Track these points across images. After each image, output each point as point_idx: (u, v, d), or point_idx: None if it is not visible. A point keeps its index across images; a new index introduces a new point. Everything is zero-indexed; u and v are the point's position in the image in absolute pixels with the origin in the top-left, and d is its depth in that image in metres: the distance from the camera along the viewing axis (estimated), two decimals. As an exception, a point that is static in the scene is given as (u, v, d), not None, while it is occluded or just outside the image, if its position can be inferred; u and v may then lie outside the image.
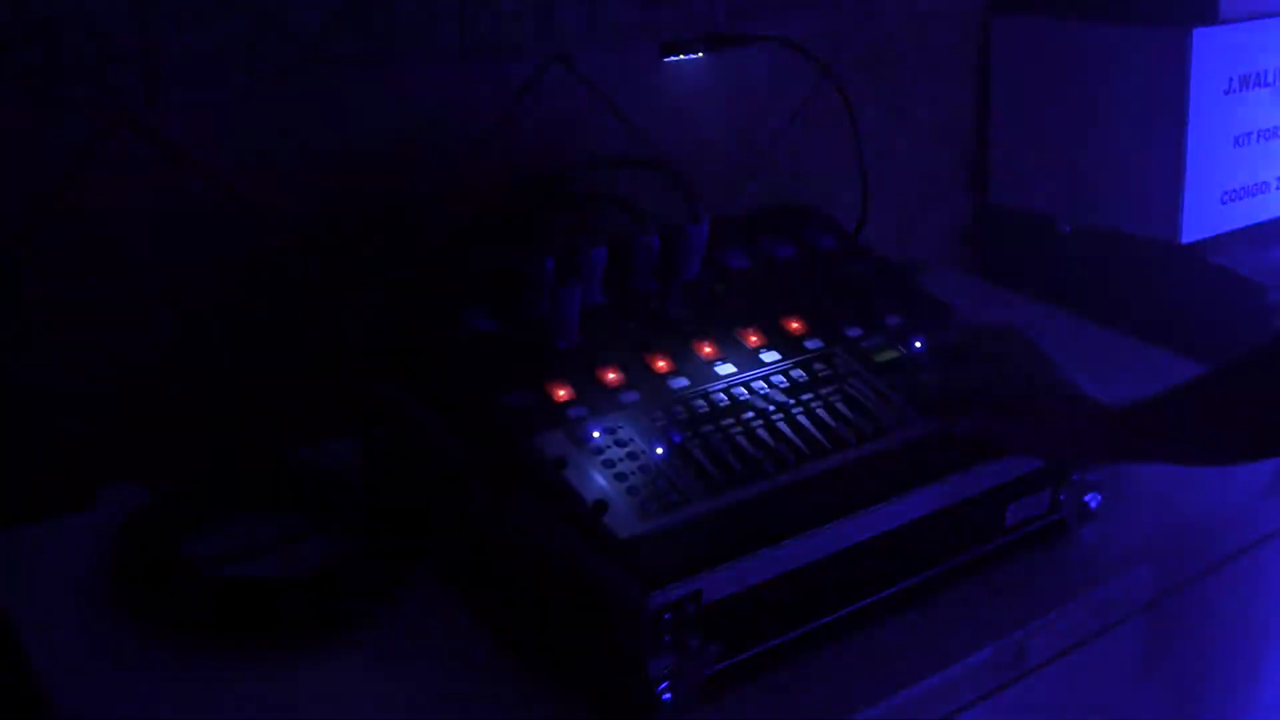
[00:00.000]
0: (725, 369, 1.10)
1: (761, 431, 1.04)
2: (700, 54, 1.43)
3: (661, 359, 1.10)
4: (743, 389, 1.08)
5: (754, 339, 1.14)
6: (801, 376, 1.11)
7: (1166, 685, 1.24)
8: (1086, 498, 1.14)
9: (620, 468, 0.98)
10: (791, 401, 1.07)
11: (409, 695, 0.98)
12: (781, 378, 1.10)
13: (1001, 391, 1.05)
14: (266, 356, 1.34)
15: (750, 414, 1.06)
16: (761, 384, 1.09)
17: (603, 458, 0.99)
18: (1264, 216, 1.61)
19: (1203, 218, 1.55)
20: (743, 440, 1.03)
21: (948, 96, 1.76)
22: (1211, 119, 1.51)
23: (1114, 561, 1.13)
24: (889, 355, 1.15)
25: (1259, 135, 1.57)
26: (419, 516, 1.15)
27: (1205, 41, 1.47)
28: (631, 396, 1.06)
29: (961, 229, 1.84)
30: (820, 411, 1.07)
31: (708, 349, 1.12)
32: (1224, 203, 1.56)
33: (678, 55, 1.42)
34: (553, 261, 1.11)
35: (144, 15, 1.18)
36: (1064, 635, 1.08)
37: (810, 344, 1.15)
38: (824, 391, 1.10)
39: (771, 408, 1.06)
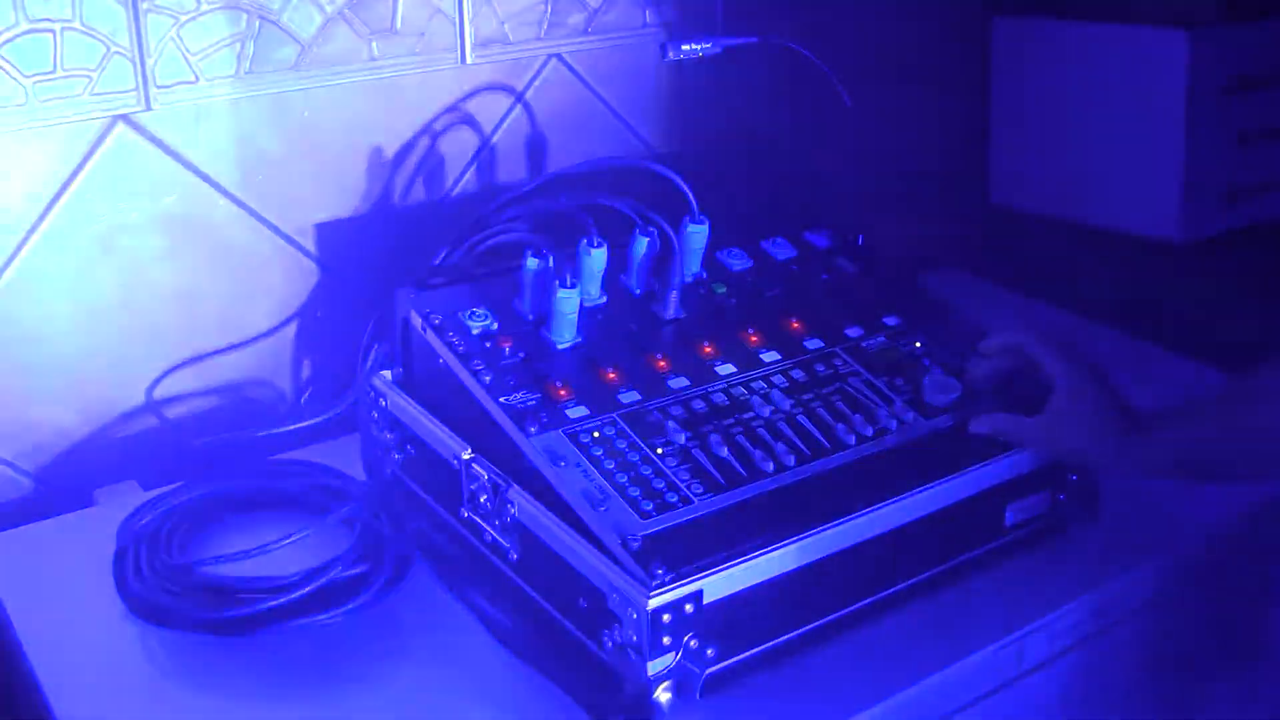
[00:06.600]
0: (725, 369, 1.10)
1: (762, 431, 1.04)
2: (700, 54, 1.43)
3: (661, 359, 1.10)
4: (743, 389, 1.08)
5: (754, 339, 1.14)
6: (801, 376, 1.11)
7: (1166, 685, 1.24)
8: (1086, 498, 1.14)
9: (620, 467, 0.98)
10: (792, 402, 1.07)
11: (408, 694, 0.98)
12: (782, 378, 1.10)
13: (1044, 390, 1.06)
14: (266, 356, 1.34)
15: (750, 414, 1.06)
16: (762, 384, 1.09)
17: (603, 457, 0.99)
18: (1264, 216, 1.61)
19: (1203, 217, 1.55)
20: (743, 440, 1.03)
21: (948, 97, 1.76)
22: (1211, 118, 1.51)
23: (1114, 561, 1.13)
24: (889, 355, 1.15)
25: (1259, 135, 1.57)
26: (418, 516, 1.15)
27: (1205, 41, 1.47)
28: (631, 396, 1.06)
29: (961, 229, 1.83)
30: (820, 411, 1.07)
31: (708, 349, 1.12)
32: (1224, 202, 1.56)
33: (678, 55, 1.42)
34: (553, 261, 1.11)
35: (143, 15, 1.18)
36: (1064, 635, 1.08)
37: (810, 344, 1.15)
38: (824, 391, 1.10)
39: (771, 408, 1.06)
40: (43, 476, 1.25)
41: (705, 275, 1.21)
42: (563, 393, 1.04)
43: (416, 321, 1.11)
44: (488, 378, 1.05)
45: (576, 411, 1.03)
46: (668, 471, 0.99)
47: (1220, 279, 1.58)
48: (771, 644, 0.98)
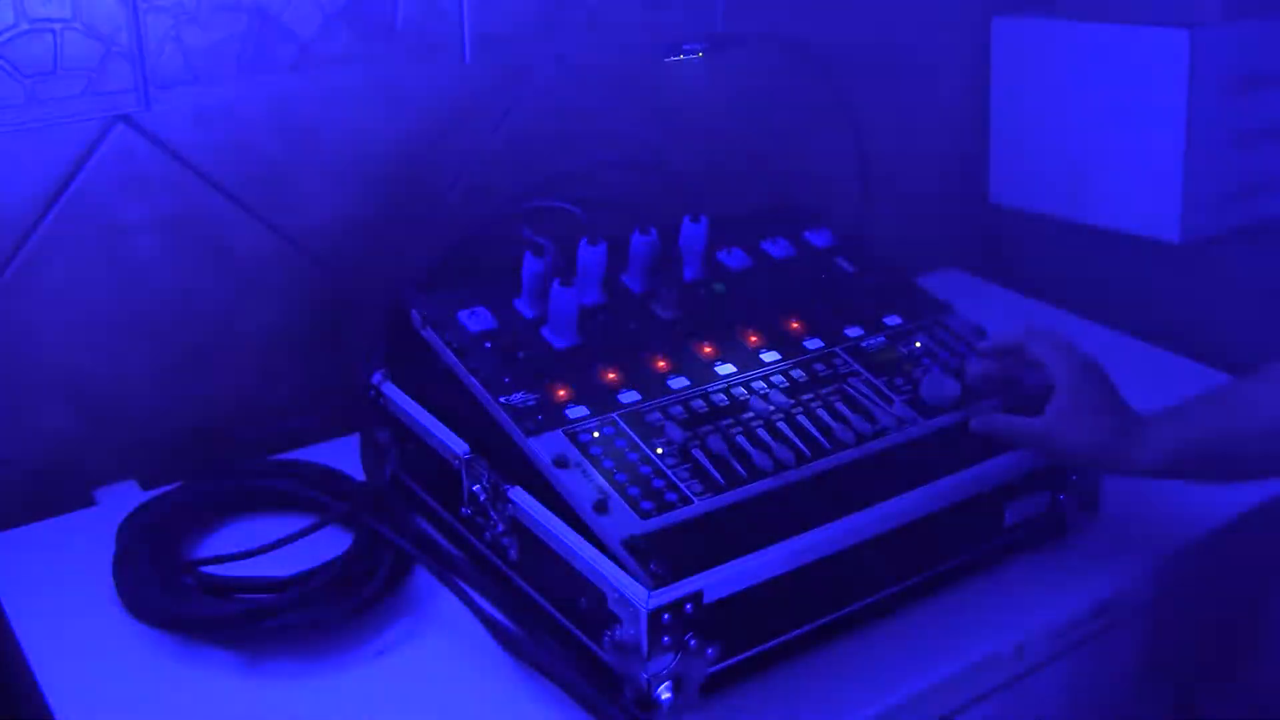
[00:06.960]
0: (725, 369, 1.10)
1: (761, 431, 1.04)
2: (700, 54, 1.43)
3: (661, 359, 1.10)
4: (743, 389, 1.08)
5: (754, 339, 1.14)
6: (801, 376, 1.11)
7: (1166, 685, 1.24)
8: (1086, 498, 1.14)
9: (620, 467, 0.98)
10: (791, 401, 1.07)
11: (408, 694, 0.98)
12: (781, 378, 1.10)
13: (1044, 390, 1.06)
14: (267, 357, 1.34)
15: (750, 414, 1.06)
16: (761, 384, 1.09)
17: (603, 457, 0.99)
18: (1264, 216, 1.61)
19: (1203, 218, 1.55)
20: (743, 440, 1.03)
21: (948, 96, 1.76)
22: (1211, 119, 1.51)
23: (1114, 561, 1.13)
24: (889, 355, 1.15)
25: (1259, 135, 1.57)
26: (418, 516, 1.15)
27: (1205, 41, 1.47)
28: (631, 396, 1.05)
29: (962, 229, 1.84)
30: (820, 411, 1.07)
31: (708, 349, 1.12)
32: (1224, 203, 1.56)
33: (678, 55, 1.42)
34: (552, 261, 1.11)
35: (143, 15, 1.18)
36: (1064, 635, 1.08)
37: (810, 344, 1.15)
38: (824, 391, 1.10)
39: (771, 407, 1.06)
40: (43, 476, 1.25)
41: (705, 275, 1.21)
42: (563, 393, 1.04)
43: (417, 321, 1.11)
44: (488, 377, 1.05)
45: (576, 411, 1.03)
46: (667, 471, 0.99)
47: (1220, 279, 1.58)
48: (771, 644, 0.98)
